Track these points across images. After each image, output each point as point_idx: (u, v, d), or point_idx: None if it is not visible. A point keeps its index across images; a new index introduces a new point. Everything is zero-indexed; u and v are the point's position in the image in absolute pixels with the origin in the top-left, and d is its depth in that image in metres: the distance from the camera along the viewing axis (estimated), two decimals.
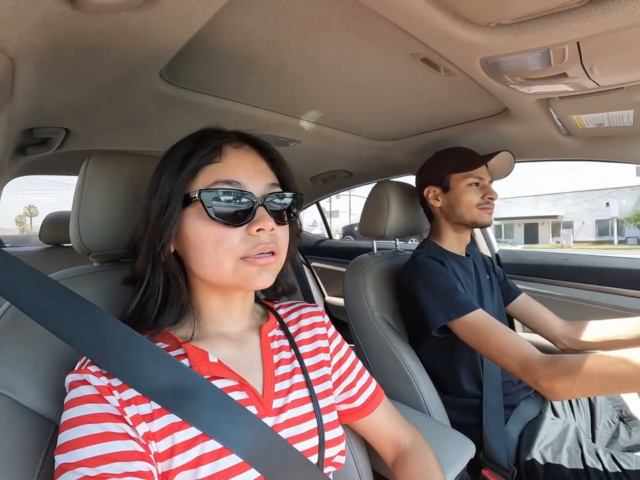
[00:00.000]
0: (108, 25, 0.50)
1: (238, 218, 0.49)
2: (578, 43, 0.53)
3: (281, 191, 0.54)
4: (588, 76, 0.63)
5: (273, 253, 0.51)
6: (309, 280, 2.48)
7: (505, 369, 0.81)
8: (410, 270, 1.02)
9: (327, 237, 2.75)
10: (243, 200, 0.49)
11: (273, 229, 0.50)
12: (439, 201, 1.09)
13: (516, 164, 1.09)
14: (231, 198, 0.49)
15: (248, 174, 0.51)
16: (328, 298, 2.53)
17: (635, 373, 0.64)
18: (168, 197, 0.49)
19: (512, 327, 1.54)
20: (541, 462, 0.86)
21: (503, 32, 0.54)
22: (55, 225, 1.89)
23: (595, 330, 1.00)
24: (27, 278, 0.47)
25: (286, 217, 0.55)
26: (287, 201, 0.55)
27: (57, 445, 0.41)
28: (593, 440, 0.94)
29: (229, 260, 0.48)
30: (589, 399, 1.04)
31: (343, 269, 1.22)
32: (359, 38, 0.66)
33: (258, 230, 0.49)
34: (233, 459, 0.46)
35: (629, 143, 1.07)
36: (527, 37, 0.53)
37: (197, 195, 0.48)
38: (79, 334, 0.46)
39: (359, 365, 0.69)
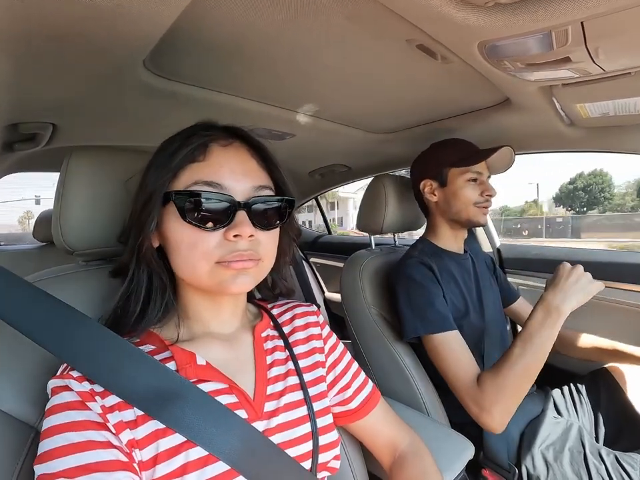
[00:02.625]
0: (78, 10, 0.47)
1: (214, 221, 0.46)
2: (582, 24, 0.49)
3: (268, 194, 0.51)
4: (593, 60, 0.60)
5: (251, 260, 0.48)
6: (309, 276, 2.46)
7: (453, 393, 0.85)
8: (397, 273, 1.00)
9: (326, 232, 2.72)
10: (221, 203, 0.47)
11: (251, 235, 0.47)
12: (435, 195, 1.05)
13: (517, 156, 1.06)
14: (208, 200, 0.46)
15: (232, 175, 0.48)
16: (327, 294, 2.51)
17: (533, 353, 0.75)
18: (150, 194, 0.48)
19: (514, 326, 1.52)
20: (543, 462, 0.84)
21: (501, 13, 0.50)
22: (49, 223, 1.87)
23: (577, 341, 1.08)
24: (2, 282, 0.45)
25: (271, 222, 0.51)
26: (274, 205, 0.51)
27: (37, 454, 0.40)
28: (597, 440, 0.92)
29: (203, 263, 0.47)
30: (592, 399, 1.02)
31: (342, 265, 1.19)
32: (350, 23, 0.63)
33: (235, 236, 0.46)
34: (220, 466, 0.44)
35: (635, 133, 1.03)
36: (527, 18, 0.50)
37: (171, 196, 0.46)
38: (56, 338, 0.44)
39: (355, 365, 0.67)
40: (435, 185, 1.05)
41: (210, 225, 0.46)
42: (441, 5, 0.50)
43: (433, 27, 0.58)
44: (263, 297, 0.65)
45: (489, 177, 1.05)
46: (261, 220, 0.49)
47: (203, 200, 0.46)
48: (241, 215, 0.47)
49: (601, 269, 1.30)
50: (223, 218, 0.47)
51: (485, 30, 0.54)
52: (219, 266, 0.47)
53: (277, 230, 0.54)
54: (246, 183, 0.49)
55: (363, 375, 0.67)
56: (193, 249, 0.47)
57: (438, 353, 0.87)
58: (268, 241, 0.51)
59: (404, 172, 1.56)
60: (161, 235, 0.51)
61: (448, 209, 1.03)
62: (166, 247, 0.50)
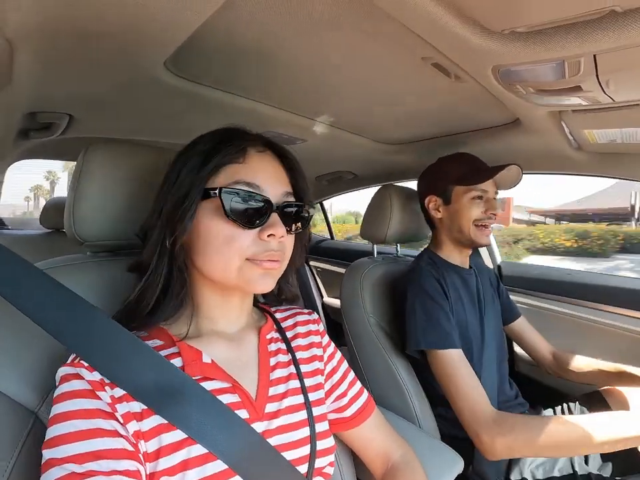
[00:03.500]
0: (106, 10, 0.49)
1: (252, 220, 0.49)
2: (595, 56, 0.51)
3: (296, 200, 0.54)
4: (603, 90, 0.61)
5: (278, 261, 0.51)
6: (309, 279, 2.47)
7: (454, 412, 0.84)
8: (410, 281, 0.99)
9: (329, 237, 2.73)
10: (260, 203, 0.49)
11: (282, 237, 0.50)
12: (439, 212, 1.05)
13: (524, 175, 1.06)
14: (250, 200, 0.49)
15: (268, 179, 0.51)
16: (326, 299, 2.51)
17: (577, 439, 0.68)
18: (187, 189, 0.49)
19: (509, 343, 1.52)
20: None
21: (517, 40, 0.52)
22: (57, 210, 1.89)
23: (576, 366, 1.06)
24: (14, 267, 0.47)
25: (295, 227, 0.54)
26: (300, 211, 0.55)
27: (45, 439, 0.41)
28: (587, 461, 0.92)
29: (236, 259, 0.48)
30: None
31: (344, 270, 1.20)
32: (370, 38, 0.64)
33: (269, 235, 0.49)
34: (220, 464, 0.45)
35: None
36: (542, 47, 0.51)
37: (217, 191, 0.48)
38: (65, 327, 0.45)
39: (351, 374, 0.68)
40: (440, 201, 1.05)
41: (248, 223, 0.48)
42: (459, 28, 0.52)
43: (450, 48, 0.60)
44: (267, 301, 0.66)
45: (497, 193, 1.05)
46: (290, 223, 0.53)
47: (247, 199, 0.48)
48: (275, 217, 0.50)
49: (599, 292, 1.31)
50: (259, 218, 0.49)
51: (499, 55, 0.56)
52: (249, 263, 0.49)
53: (295, 236, 0.56)
54: (278, 188, 0.52)
55: (358, 385, 0.68)
56: (228, 244, 0.48)
57: (445, 370, 0.86)
58: (290, 245, 0.54)
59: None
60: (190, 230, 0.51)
61: (451, 226, 1.03)
62: (194, 242, 0.51)
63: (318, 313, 2.48)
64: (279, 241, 0.50)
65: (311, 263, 2.56)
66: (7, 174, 1.50)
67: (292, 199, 0.54)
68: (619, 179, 1.18)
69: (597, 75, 0.56)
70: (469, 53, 0.58)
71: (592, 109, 0.74)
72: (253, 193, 0.49)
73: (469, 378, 0.84)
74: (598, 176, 1.22)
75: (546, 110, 0.80)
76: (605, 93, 0.62)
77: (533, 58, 0.54)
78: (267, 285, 0.51)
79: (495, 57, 0.56)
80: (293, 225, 0.54)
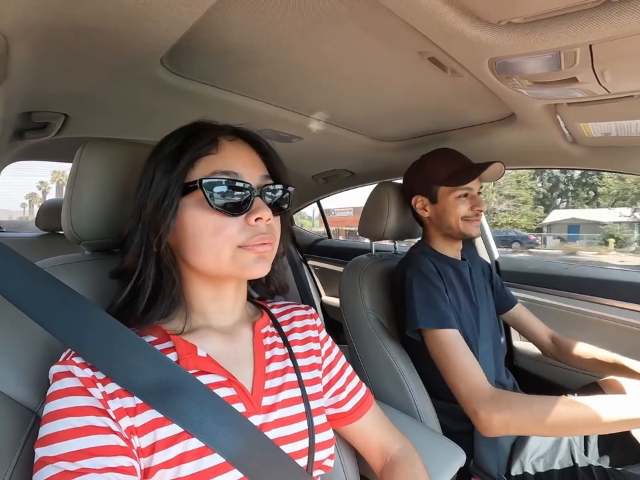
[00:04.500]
0: (103, 4, 0.49)
1: (237, 207, 0.49)
2: (590, 46, 0.51)
3: (274, 182, 0.55)
4: (599, 81, 0.61)
5: (270, 243, 0.51)
6: (307, 278, 2.47)
7: (451, 390, 0.85)
8: (406, 266, 1.01)
9: (327, 236, 2.73)
10: (242, 190, 0.49)
11: (269, 219, 0.50)
12: (426, 211, 1.07)
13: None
14: (230, 188, 0.49)
15: (244, 165, 0.51)
16: (325, 298, 2.51)
17: (575, 418, 0.69)
18: (165, 188, 0.48)
19: (507, 332, 1.53)
20: (532, 474, 0.85)
21: (513, 31, 0.52)
22: (52, 212, 1.88)
23: (575, 352, 1.06)
24: (13, 264, 0.46)
25: (279, 208, 0.55)
26: (280, 193, 0.55)
27: (38, 437, 0.41)
28: (586, 453, 0.93)
29: (227, 248, 0.48)
30: None
31: (342, 269, 1.20)
32: (366, 33, 0.64)
33: (256, 219, 0.49)
34: (216, 458, 0.44)
35: (636, 154, 1.06)
36: (538, 38, 0.51)
37: (197, 183, 0.47)
38: (63, 324, 0.45)
39: (349, 369, 0.68)
40: (426, 200, 1.07)
41: (233, 210, 0.49)
42: (455, 20, 0.52)
43: (446, 42, 0.60)
44: (259, 294, 0.66)
45: (481, 187, 1.06)
46: (272, 205, 0.53)
47: (228, 187, 0.48)
48: (258, 201, 0.51)
49: (596, 286, 1.32)
50: (244, 204, 0.49)
51: (496, 47, 0.56)
52: (241, 249, 0.49)
53: (280, 217, 0.57)
54: (256, 172, 0.52)
55: (357, 379, 0.68)
56: (218, 234, 0.48)
57: (443, 349, 0.87)
58: (277, 226, 0.55)
59: None
60: (174, 227, 0.51)
61: (440, 223, 1.05)
62: (179, 239, 0.51)
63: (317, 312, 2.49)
64: (266, 223, 0.51)
65: (309, 262, 2.56)
66: (6, 179, 1.48)
67: (271, 181, 0.54)
68: (614, 172, 1.19)
69: (593, 66, 0.56)
70: (465, 45, 0.58)
71: (587, 102, 0.75)
72: (233, 180, 0.49)
73: (466, 356, 0.85)
74: (593, 170, 1.23)
75: (541, 103, 0.81)
76: (600, 84, 0.63)
77: (529, 49, 0.54)
78: (263, 269, 0.51)
79: (492, 48, 0.57)
80: (279, 205, 0.55)
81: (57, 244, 1.82)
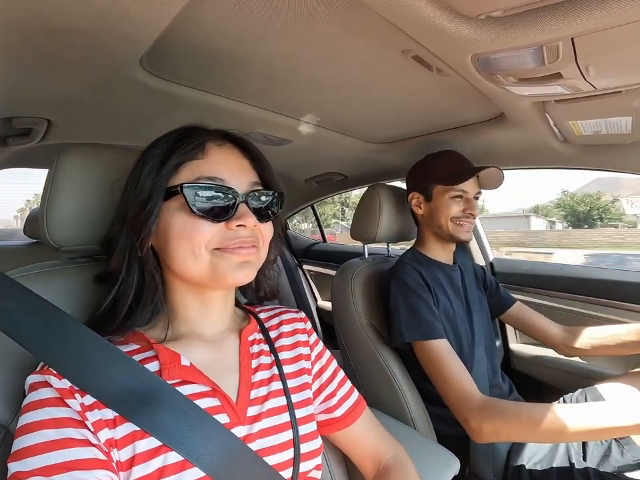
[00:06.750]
0: (70, 4, 0.47)
1: (219, 213, 0.48)
2: (572, 40, 0.50)
3: (263, 188, 0.54)
4: (583, 77, 0.60)
5: (253, 246, 0.50)
6: (302, 283, 2.45)
7: (443, 400, 0.85)
8: (392, 275, 1.01)
9: (321, 240, 2.71)
10: (226, 196, 0.48)
11: (255, 225, 0.49)
12: (421, 208, 1.08)
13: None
14: (214, 193, 0.48)
15: (231, 171, 0.50)
16: (320, 302, 2.49)
17: (564, 426, 0.67)
18: (149, 192, 0.48)
19: (504, 335, 1.51)
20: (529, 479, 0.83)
21: (493, 25, 0.51)
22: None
23: (590, 335, 1.02)
24: None
25: (270, 213, 0.54)
26: (269, 199, 0.54)
27: (12, 451, 0.39)
28: (584, 458, 0.91)
29: (203, 251, 0.47)
30: None
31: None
32: (346, 32, 0.63)
33: (238, 225, 0.48)
34: (198, 472, 0.43)
35: (627, 151, 1.05)
36: (519, 32, 0.50)
37: (179, 188, 0.47)
38: (34, 336, 0.44)
39: (341, 374, 0.66)
40: (422, 198, 1.08)
41: (216, 216, 0.48)
42: (434, 16, 0.51)
43: (427, 38, 0.59)
44: (248, 299, 0.65)
45: (479, 193, 1.06)
46: (259, 212, 0.52)
47: (211, 193, 0.48)
48: (243, 207, 0.50)
49: (591, 286, 1.31)
50: (227, 210, 0.48)
51: (477, 42, 0.55)
52: (219, 252, 0.48)
53: (271, 223, 0.55)
54: (243, 178, 0.51)
55: (348, 384, 0.66)
56: (194, 237, 0.47)
57: (432, 360, 0.87)
58: (267, 231, 0.54)
59: (399, 182, 1.57)
60: (156, 233, 0.50)
61: (431, 222, 1.06)
62: (162, 244, 0.50)
63: (312, 317, 2.47)
64: (251, 229, 0.50)
65: (304, 266, 2.54)
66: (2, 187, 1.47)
67: (259, 187, 0.53)
68: (606, 171, 1.18)
69: (577, 60, 0.55)
70: (446, 41, 0.57)
71: (575, 98, 0.74)
72: (215, 185, 0.48)
73: (455, 366, 0.84)
74: (585, 169, 1.22)
75: (529, 101, 0.80)
76: (585, 79, 0.62)
77: (510, 44, 0.53)
78: (246, 275, 0.50)
79: (473, 44, 0.56)
80: (266, 212, 0.53)
81: (44, 252, 1.79)
